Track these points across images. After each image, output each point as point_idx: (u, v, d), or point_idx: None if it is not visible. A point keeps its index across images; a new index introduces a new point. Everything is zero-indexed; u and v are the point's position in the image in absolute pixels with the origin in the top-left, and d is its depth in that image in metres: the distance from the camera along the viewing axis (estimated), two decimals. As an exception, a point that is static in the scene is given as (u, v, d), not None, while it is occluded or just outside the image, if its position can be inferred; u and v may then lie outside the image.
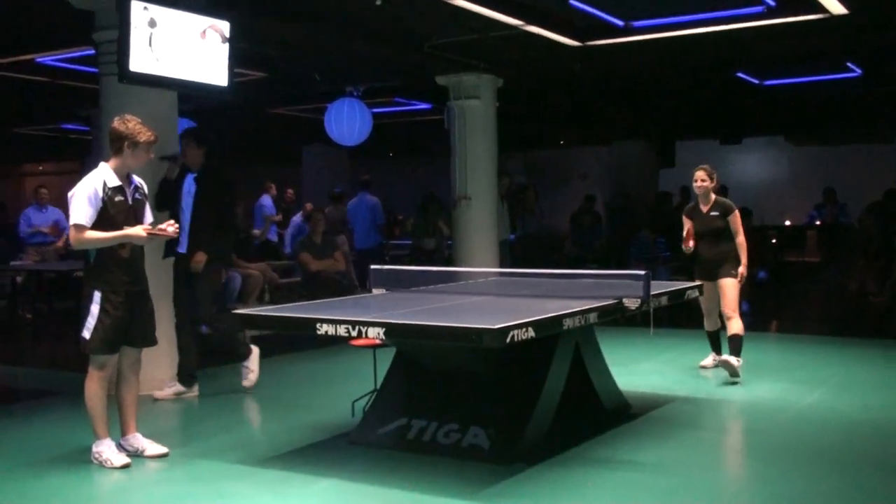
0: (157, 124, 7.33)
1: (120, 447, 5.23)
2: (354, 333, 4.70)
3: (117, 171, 5.20)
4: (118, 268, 5.14)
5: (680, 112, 15.06)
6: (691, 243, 7.37)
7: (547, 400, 5.34)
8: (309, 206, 13.30)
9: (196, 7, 7.05)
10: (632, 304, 5.49)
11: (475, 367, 5.44)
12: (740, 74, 12.06)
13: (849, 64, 11.39)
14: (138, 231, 5.15)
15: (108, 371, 5.23)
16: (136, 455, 5.20)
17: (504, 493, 4.59)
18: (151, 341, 5.39)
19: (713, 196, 7.50)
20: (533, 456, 5.07)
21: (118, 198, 5.15)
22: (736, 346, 7.31)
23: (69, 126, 16.35)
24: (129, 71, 6.62)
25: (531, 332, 4.54)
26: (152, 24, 6.69)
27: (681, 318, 7.81)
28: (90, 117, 12.99)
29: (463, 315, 5.17)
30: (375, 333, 4.67)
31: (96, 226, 5.07)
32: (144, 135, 5.23)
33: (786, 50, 10.21)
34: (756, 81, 12.47)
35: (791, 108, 14.23)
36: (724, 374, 7.34)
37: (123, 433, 5.30)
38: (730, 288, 7.34)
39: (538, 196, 14.73)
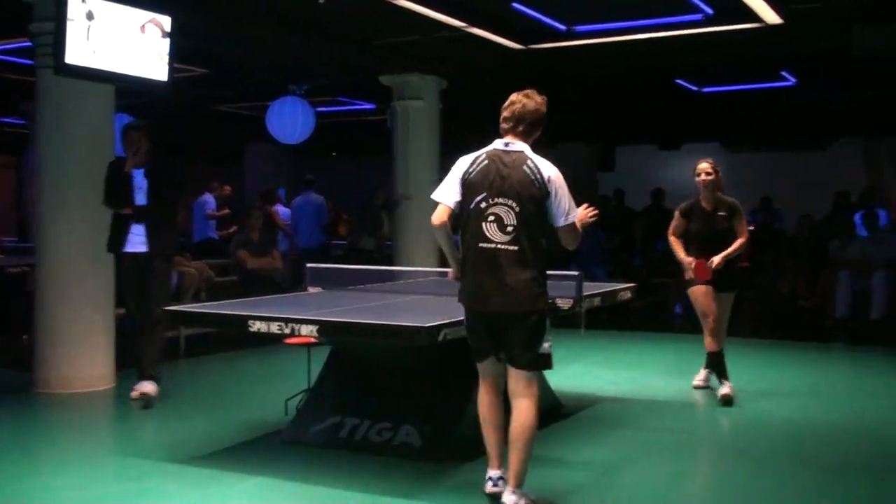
0: (95, 118, 7.35)
1: None
2: (287, 331, 4.70)
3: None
4: None
5: (620, 117, 15.24)
6: (693, 264, 6.49)
7: (479, 399, 5.39)
8: (227, 188, 13.33)
9: (136, 1, 6.99)
10: (565, 304, 5.57)
11: (408, 365, 5.47)
12: (679, 81, 12.24)
13: (784, 73, 11.64)
14: None
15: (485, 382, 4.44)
16: None
17: (433, 491, 4.63)
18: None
19: (718, 193, 6.65)
20: (464, 454, 5.11)
21: None
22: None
23: (5, 119, 16.03)
24: (65, 63, 6.55)
25: (463, 331, 4.58)
26: (90, 16, 6.63)
27: (615, 319, 7.92)
28: (27, 111, 12.76)
29: (396, 314, 5.19)
30: (308, 331, 4.68)
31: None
32: None
33: (723, 57, 10.40)
34: (695, 88, 12.67)
35: (728, 114, 14.49)
36: (650, 373, 7.41)
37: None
38: (730, 304, 6.75)
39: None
